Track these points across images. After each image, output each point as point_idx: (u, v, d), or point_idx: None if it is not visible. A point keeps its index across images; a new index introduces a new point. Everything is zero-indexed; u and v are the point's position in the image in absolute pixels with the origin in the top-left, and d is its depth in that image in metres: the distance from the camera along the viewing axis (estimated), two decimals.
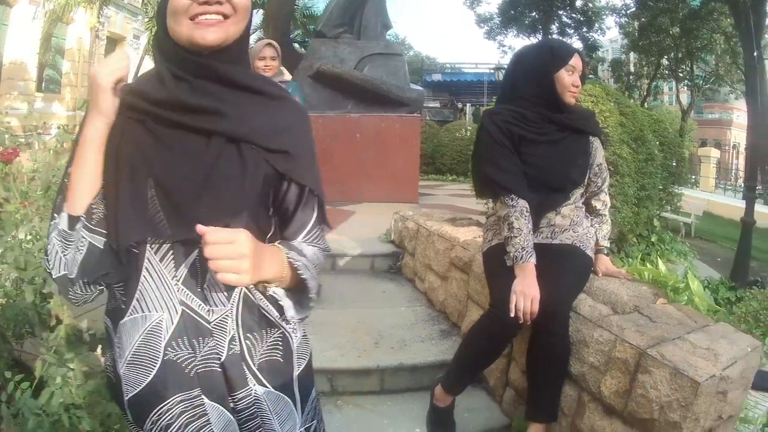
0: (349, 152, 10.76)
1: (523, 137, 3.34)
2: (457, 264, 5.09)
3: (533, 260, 3.20)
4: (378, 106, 11.24)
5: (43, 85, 25.16)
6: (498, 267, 3.40)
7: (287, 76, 5.88)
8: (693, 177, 24.69)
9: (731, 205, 22.69)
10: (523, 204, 3.27)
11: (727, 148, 50.17)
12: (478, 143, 3.53)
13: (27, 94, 22.51)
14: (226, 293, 1.60)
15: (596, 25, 42.70)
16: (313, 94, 11.13)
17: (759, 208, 21.62)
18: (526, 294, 3.09)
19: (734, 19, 29.61)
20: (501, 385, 4.15)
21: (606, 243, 3.75)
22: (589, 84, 6.80)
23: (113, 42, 26.92)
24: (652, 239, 8.06)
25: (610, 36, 51.68)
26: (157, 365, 1.57)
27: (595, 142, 3.56)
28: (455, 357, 3.63)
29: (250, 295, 1.65)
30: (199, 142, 1.54)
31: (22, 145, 4.21)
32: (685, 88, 44.87)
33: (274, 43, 5.53)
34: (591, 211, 3.71)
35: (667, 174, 8.68)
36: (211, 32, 1.50)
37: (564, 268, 3.35)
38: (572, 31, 42.19)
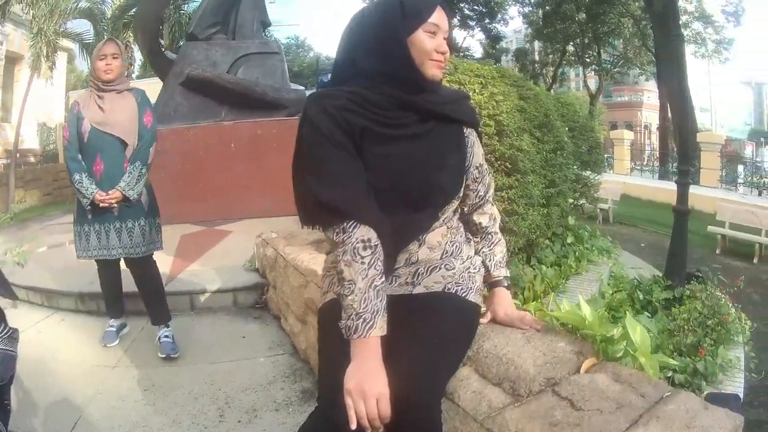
0: (224, 164, 9.73)
1: (368, 130, 2.12)
2: (311, 306, 4.03)
3: (378, 332, 1.97)
4: (254, 111, 10.18)
5: None
6: (331, 337, 2.13)
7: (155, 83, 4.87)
8: (607, 158, 24.35)
9: (647, 186, 23.14)
10: (360, 236, 2.02)
11: (638, 129, 51.02)
12: (300, 143, 2.22)
13: None
14: None
15: (499, 15, 43.11)
16: (184, 103, 10.25)
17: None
18: (365, 392, 1.85)
19: (644, 1, 30.07)
20: None
21: (503, 272, 2.54)
22: (476, 63, 5.63)
23: (12, 61, 24.60)
24: (568, 240, 6.99)
25: (513, 26, 52.41)
26: None
27: (471, 136, 2.41)
28: None
29: None
30: None
31: None
32: (593, 73, 45.19)
33: (116, 40, 4.70)
34: (475, 231, 2.54)
35: (579, 163, 7.65)
36: None
37: (430, 336, 2.10)
38: (474, 23, 42.42)
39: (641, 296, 6.91)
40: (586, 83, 46.65)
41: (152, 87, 11.02)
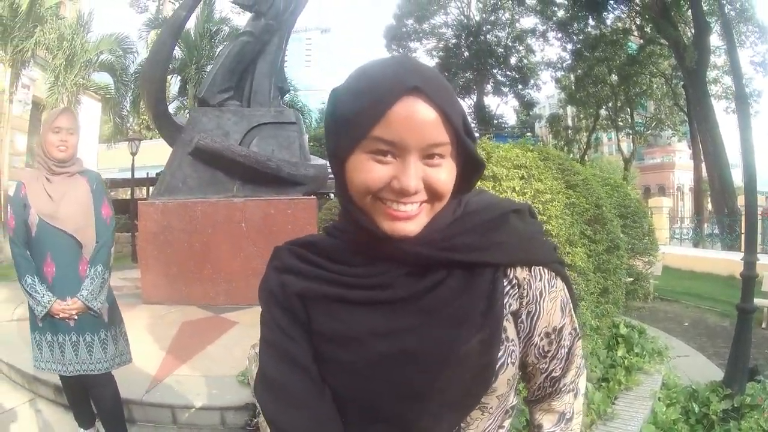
0: (233, 244, 9.11)
1: (310, 295, 1.27)
2: None
3: None
4: (267, 187, 9.51)
5: None
6: None
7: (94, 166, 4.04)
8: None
9: (686, 255, 21.80)
10: None
11: (671, 191, 50.49)
12: None
13: None
14: None
15: (531, 81, 43.39)
16: (193, 175, 9.63)
17: (718, 254, 20.72)
18: None
19: (676, 58, 29.72)
20: None
21: None
22: (515, 146, 4.64)
23: (38, 107, 23.80)
24: (619, 353, 6.02)
25: (546, 92, 52.50)
26: None
27: (530, 284, 1.26)
28: None
29: None
30: None
31: None
32: (626, 136, 44.78)
33: (72, 111, 3.98)
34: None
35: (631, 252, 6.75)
36: None
37: None
38: (507, 89, 42.62)
39: (696, 409, 5.96)
40: (620, 147, 46.26)
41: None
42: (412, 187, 1.11)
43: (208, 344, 6.85)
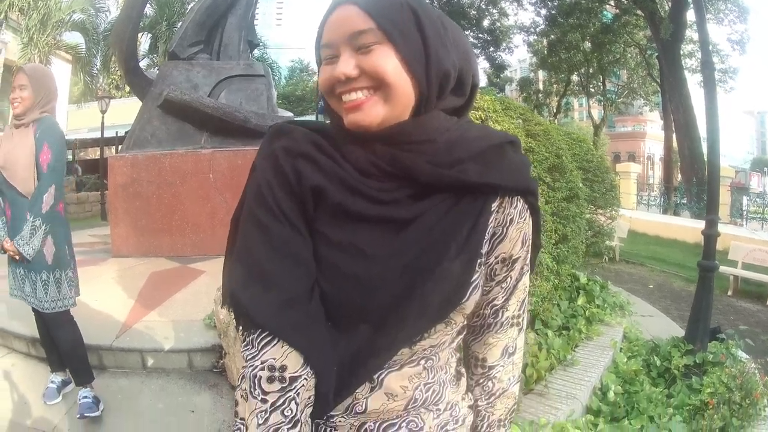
0: (201, 195, 9.12)
1: (325, 194, 1.25)
2: None
3: None
4: (235, 139, 9.49)
5: None
6: None
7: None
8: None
9: (653, 221, 21.91)
10: (269, 358, 1.17)
11: (641, 159, 50.67)
12: (243, 194, 1.35)
13: None
14: None
15: (504, 44, 42.88)
16: (162, 128, 9.59)
17: (686, 222, 20.89)
18: None
19: (651, 30, 29.77)
20: None
21: None
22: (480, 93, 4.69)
23: (10, 70, 22.90)
24: (579, 301, 6.14)
25: (518, 55, 51.97)
26: None
27: (506, 210, 1.32)
28: None
29: None
30: None
31: None
32: (597, 103, 44.78)
33: (27, 67, 4.08)
34: (473, 366, 1.52)
35: (593, 207, 6.83)
36: None
37: None
38: (479, 51, 42.26)
39: (658, 362, 6.07)
40: (590, 113, 46.32)
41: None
42: (343, 71, 1.21)
43: (176, 292, 6.90)
